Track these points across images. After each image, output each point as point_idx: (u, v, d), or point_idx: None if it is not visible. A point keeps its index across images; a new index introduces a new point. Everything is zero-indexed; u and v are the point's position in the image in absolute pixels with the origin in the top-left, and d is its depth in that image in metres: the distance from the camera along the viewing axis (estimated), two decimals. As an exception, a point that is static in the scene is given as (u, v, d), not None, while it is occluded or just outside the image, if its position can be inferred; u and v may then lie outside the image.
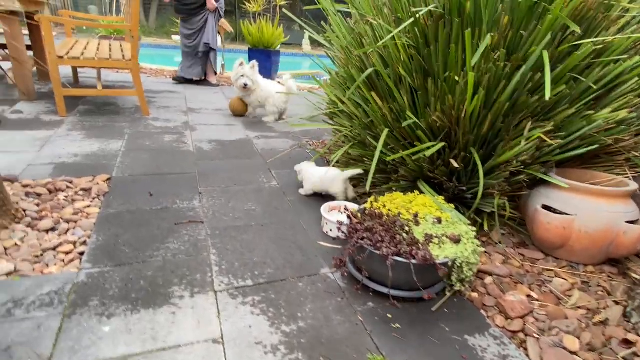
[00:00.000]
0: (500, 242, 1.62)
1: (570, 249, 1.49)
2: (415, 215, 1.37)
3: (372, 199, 1.52)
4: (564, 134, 1.48)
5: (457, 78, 1.41)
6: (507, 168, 1.48)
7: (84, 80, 4.14)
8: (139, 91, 3.00)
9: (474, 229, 1.33)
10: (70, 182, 1.83)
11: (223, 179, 2.07)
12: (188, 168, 2.17)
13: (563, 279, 1.43)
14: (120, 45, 3.57)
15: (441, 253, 1.20)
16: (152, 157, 2.26)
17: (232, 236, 1.55)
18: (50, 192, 1.73)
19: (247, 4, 6.01)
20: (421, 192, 1.56)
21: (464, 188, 1.61)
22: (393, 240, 1.23)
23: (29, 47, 3.53)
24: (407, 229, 1.29)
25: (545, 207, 1.52)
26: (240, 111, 3.39)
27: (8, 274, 1.21)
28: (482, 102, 1.42)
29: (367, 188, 1.51)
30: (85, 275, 1.24)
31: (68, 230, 1.47)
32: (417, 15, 1.48)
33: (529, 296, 1.34)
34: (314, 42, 11.47)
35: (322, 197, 1.95)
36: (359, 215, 1.43)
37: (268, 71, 5.01)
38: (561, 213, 1.47)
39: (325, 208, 1.72)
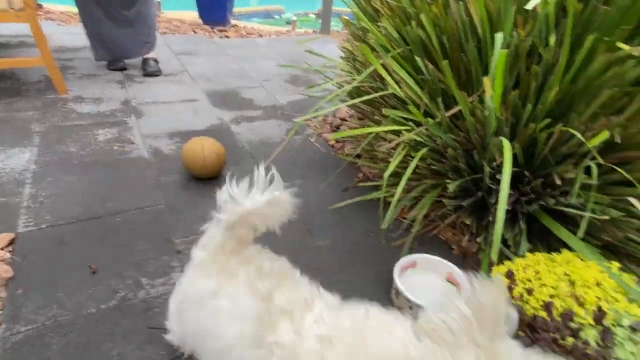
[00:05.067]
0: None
1: None
2: (599, 318, 0.79)
3: (499, 272, 0.92)
4: None
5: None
6: None
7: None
8: (45, 58, 2.05)
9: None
10: (-64, 264, 1.05)
11: (209, 214, 1.36)
12: (147, 196, 1.42)
13: None
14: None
15: None
16: (84, 179, 1.47)
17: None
18: None
19: None
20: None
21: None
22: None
23: None
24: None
25: None
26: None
27: None
28: None
29: (495, 257, 0.90)
30: None
31: None
32: None
33: None
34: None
35: (365, 238, 1.32)
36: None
37: (223, 11, 3.99)
38: None
39: (398, 272, 1.10)
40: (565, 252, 0.96)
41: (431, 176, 1.27)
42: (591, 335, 0.78)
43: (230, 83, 2.59)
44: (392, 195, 1.48)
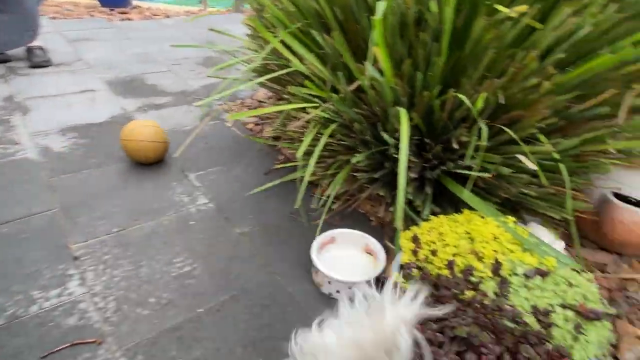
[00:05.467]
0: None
1: (648, 246, 1.18)
2: (496, 269, 0.86)
3: (406, 237, 0.96)
4: None
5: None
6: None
7: None
8: None
9: (589, 275, 0.89)
10: None
11: (111, 214, 1.26)
12: (38, 201, 1.28)
13: (653, 292, 1.13)
14: None
15: (583, 352, 0.74)
16: (-44, 189, 1.29)
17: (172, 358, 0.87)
18: None
19: None
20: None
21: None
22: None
23: None
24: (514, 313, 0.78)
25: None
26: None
27: None
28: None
29: (399, 224, 0.93)
30: None
31: None
32: None
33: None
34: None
35: (279, 196, 1.31)
36: (407, 286, 0.86)
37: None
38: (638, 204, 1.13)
39: (316, 248, 1.11)
40: (467, 212, 1.03)
41: (344, 152, 1.28)
42: (490, 286, 0.84)
43: (135, 69, 2.41)
44: (311, 175, 1.48)
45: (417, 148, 1.16)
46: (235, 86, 1.22)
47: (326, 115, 1.16)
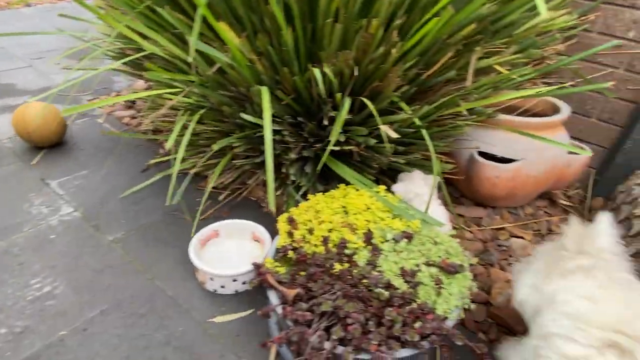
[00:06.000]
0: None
1: (512, 197, 1.31)
2: (369, 238, 0.89)
3: (282, 220, 0.96)
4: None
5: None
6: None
7: None
8: None
9: (452, 231, 0.95)
10: None
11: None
12: None
13: (519, 237, 1.27)
14: None
15: (446, 304, 0.79)
16: None
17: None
18: None
19: None
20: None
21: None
22: (376, 319, 0.74)
23: None
24: (380, 278, 0.80)
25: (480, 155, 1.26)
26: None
27: None
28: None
29: (272, 208, 0.92)
30: None
31: None
32: None
33: (508, 281, 1.12)
34: None
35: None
36: (282, 269, 0.86)
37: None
38: (501, 159, 1.24)
39: (195, 246, 1.05)
40: (342, 187, 1.04)
41: (221, 138, 1.23)
42: (363, 256, 0.86)
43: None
44: (192, 167, 1.41)
45: (294, 128, 1.15)
46: (83, 76, 1.09)
47: (191, 101, 1.10)
